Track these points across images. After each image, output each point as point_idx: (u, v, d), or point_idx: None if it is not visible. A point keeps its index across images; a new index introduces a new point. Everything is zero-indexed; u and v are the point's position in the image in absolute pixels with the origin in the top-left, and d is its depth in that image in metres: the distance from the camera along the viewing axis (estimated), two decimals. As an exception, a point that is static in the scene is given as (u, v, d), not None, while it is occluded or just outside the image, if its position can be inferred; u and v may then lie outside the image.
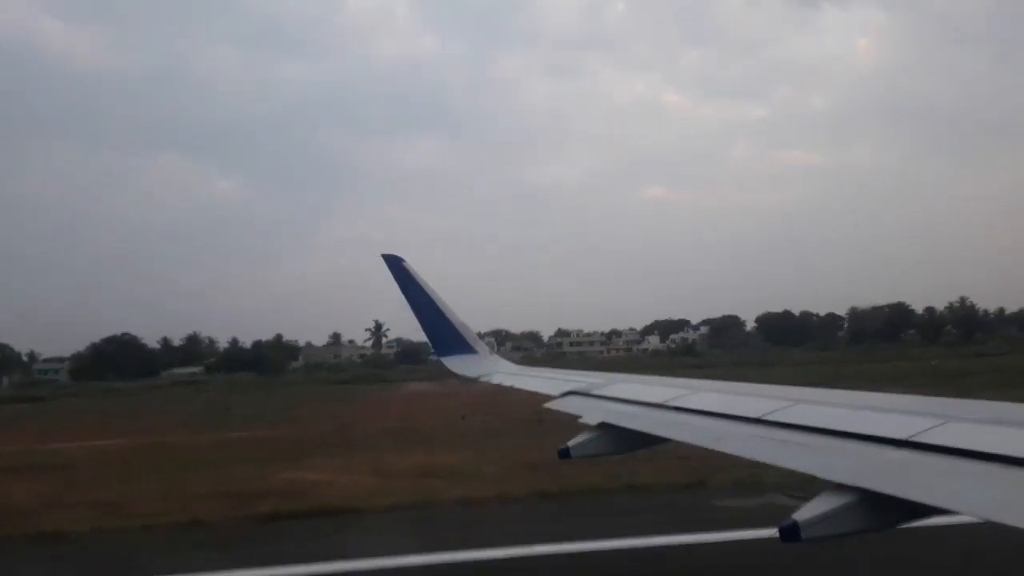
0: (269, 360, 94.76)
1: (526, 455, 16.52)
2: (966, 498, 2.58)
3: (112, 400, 54.05)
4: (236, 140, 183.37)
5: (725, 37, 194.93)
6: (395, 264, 8.98)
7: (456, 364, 9.05)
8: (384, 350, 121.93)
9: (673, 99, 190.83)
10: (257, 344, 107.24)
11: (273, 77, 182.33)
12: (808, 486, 10.66)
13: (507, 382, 7.96)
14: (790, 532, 2.77)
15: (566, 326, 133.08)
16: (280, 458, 18.11)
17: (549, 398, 6.48)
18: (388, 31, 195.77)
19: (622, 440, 4.96)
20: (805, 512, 2.83)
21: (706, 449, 4.02)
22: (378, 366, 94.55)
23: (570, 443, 5.09)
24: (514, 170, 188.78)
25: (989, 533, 2.75)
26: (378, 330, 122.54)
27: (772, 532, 2.80)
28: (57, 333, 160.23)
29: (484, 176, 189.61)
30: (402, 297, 8.90)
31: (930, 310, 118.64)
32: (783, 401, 4.10)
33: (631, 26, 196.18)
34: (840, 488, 2.90)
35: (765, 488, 12.06)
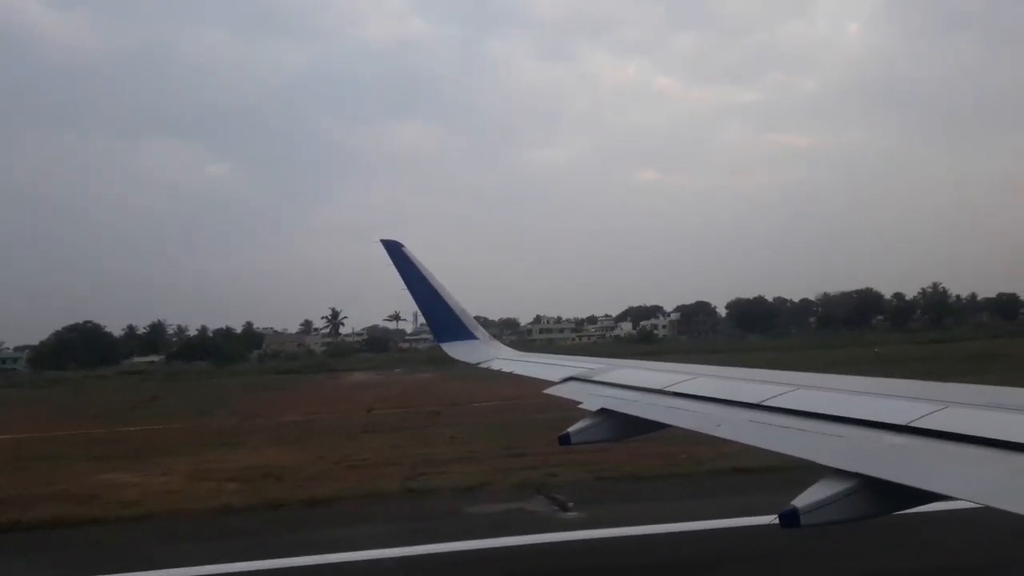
0: (222, 349, 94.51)
1: (375, 455, 16.49)
2: (966, 484, 2.56)
3: (49, 391, 54.27)
4: (224, 124, 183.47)
5: (717, 21, 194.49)
6: (394, 249, 8.94)
7: (456, 350, 9.04)
8: (354, 338, 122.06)
9: (664, 82, 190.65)
10: (219, 332, 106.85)
11: (261, 60, 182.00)
12: (575, 489, 11.24)
13: (507, 368, 7.94)
14: (789, 518, 2.75)
15: (545, 312, 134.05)
16: (129, 456, 18.15)
17: (549, 384, 6.47)
18: (378, 13, 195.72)
19: (621, 426, 4.95)
20: (804, 498, 2.81)
21: (705, 435, 4.00)
22: (338, 354, 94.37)
23: (570, 429, 5.07)
24: (500, 153, 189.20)
25: (989, 519, 2.73)
26: (334, 318, 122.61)
27: (772, 519, 2.78)
28: (32, 321, 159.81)
29: (471, 160, 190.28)
30: (401, 282, 8.88)
31: (899, 296, 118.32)
32: (783, 386, 4.08)
33: (622, 9, 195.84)
34: (839, 474, 2.89)
35: (542, 491, 12.07)
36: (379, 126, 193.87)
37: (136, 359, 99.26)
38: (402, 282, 8.92)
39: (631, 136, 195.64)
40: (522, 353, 9.13)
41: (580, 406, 5.42)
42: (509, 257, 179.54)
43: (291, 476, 14.48)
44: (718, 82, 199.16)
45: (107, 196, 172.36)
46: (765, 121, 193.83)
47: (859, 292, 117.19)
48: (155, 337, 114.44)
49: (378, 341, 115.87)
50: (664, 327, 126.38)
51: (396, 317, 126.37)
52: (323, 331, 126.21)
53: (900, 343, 67.04)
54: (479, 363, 8.64)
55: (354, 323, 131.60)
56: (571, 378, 6.34)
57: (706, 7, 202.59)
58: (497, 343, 9.50)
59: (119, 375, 73.49)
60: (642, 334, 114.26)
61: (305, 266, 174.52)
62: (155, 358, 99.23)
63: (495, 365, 8.31)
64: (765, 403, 3.90)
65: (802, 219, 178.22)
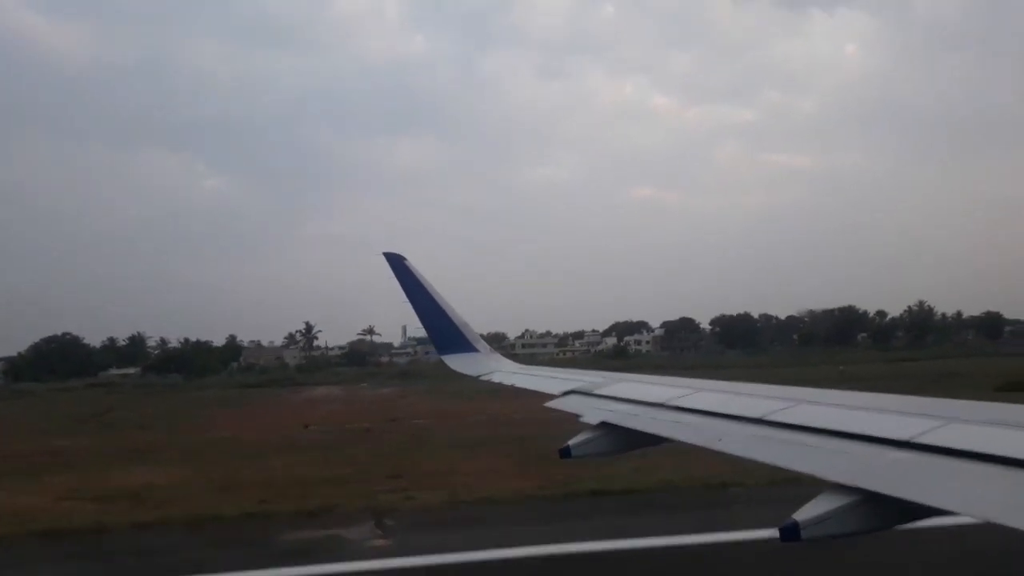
0: (193, 362, 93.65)
1: (260, 475, 16.02)
2: (967, 499, 2.56)
3: (11, 403, 52.19)
4: (222, 137, 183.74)
5: (713, 40, 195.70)
6: (396, 262, 8.97)
7: (457, 362, 9.04)
8: (337, 351, 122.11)
9: (661, 102, 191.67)
10: (193, 345, 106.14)
11: (260, 73, 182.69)
12: (419, 514, 11.34)
13: (508, 381, 7.94)
14: (790, 532, 2.76)
15: (535, 327, 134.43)
16: (24, 472, 17.80)
17: (550, 397, 6.46)
18: (377, 29, 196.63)
19: (622, 439, 4.95)
20: (805, 512, 2.82)
21: (706, 449, 4.00)
22: (313, 368, 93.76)
23: (570, 442, 5.07)
24: (497, 170, 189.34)
25: (990, 534, 2.74)
26: (308, 332, 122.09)
27: (772, 532, 2.78)
28: (22, 331, 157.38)
29: (468, 176, 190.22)
30: (403, 295, 8.89)
31: (881, 314, 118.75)
32: (785, 401, 4.09)
33: (619, 29, 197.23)
34: (841, 488, 2.89)
35: (380, 516, 11.77)
36: (376, 141, 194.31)
37: (113, 371, 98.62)
38: (404, 295, 8.94)
39: (626, 154, 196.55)
40: (523, 366, 9.12)
41: (580, 419, 5.42)
42: (502, 272, 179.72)
43: (153, 498, 14.22)
44: (715, 101, 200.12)
45: (100, 207, 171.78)
46: (761, 141, 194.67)
47: (841, 309, 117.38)
48: (134, 349, 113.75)
49: (357, 354, 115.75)
50: (647, 343, 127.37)
51: (371, 331, 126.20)
52: (293, 345, 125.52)
53: (873, 361, 67.11)
54: (480, 376, 8.64)
55: (347, 336, 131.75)
56: (572, 391, 6.33)
57: (703, 27, 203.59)
58: (498, 356, 9.49)
59: (87, 387, 70.88)
60: (616, 350, 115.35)
61: (299, 279, 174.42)
62: (131, 371, 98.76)
63: (496, 378, 8.31)
64: (767, 418, 3.91)
65: (797, 237, 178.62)
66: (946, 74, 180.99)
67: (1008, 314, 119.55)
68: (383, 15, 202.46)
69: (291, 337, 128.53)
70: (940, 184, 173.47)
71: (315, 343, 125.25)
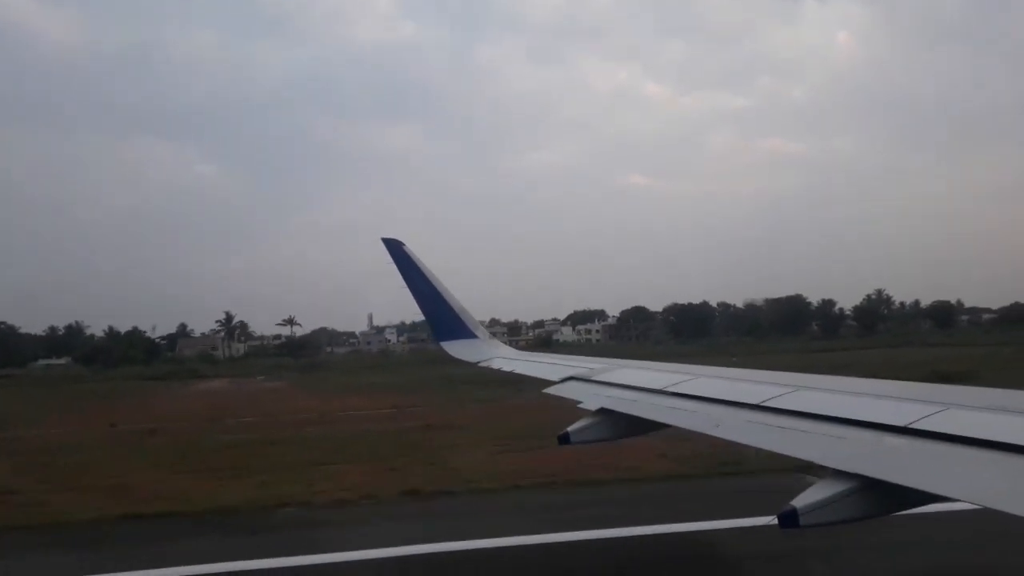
0: (111, 353, 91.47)
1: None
2: (965, 485, 2.57)
3: None
4: (212, 124, 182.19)
5: (707, 28, 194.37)
6: (395, 248, 8.95)
7: (456, 349, 9.05)
8: (276, 341, 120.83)
9: (655, 89, 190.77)
10: (110, 335, 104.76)
11: (249, 61, 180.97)
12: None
13: (507, 367, 7.96)
14: (789, 519, 2.76)
15: (504, 315, 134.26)
16: None
17: (549, 383, 6.47)
18: (369, 16, 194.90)
19: (621, 425, 4.97)
20: (804, 499, 2.83)
21: (702, 435, 4.01)
22: (223, 361, 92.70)
23: (570, 428, 5.09)
24: (486, 157, 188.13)
25: (988, 520, 2.74)
26: (228, 322, 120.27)
27: (771, 519, 2.79)
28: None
29: (457, 163, 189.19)
30: (402, 281, 8.88)
31: (829, 303, 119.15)
32: (783, 388, 4.09)
33: (614, 15, 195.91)
34: (839, 475, 2.90)
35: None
36: (368, 128, 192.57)
37: (41, 362, 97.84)
38: (402, 280, 8.93)
39: (618, 141, 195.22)
40: (522, 352, 9.15)
41: (580, 406, 5.44)
42: (479, 259, 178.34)
43: None
44: (708, 88, 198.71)
45: (88, 195, 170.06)
46: (753, 128, 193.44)
47: (789, 298, 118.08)
48: (70, 339, 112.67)
49: (296, 345, 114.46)
50: (598, 332, 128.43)
51: (291, 322, 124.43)
52: (215, 334, 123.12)
53: (786, 352, 63.14)
54: (478, 362, 8.66)
55: (321, 322, 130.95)
56: (571, 378, 6.35)
57: (696, 14, 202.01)
58: (497, 342, 9.51)
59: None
60: (540, 339, 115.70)
61: (282, 268, 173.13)
62: (60, 361, 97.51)
63: (495, 364, 8.33)
64: (765, 404, 3.91)
65: (781, 225, 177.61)
66: (936, 65, 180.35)
67: (981, 303, 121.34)
68: (375, 2, 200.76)
69: (243, 326, 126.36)
70: (928, 173, 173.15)
71: (237, 332, 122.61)
